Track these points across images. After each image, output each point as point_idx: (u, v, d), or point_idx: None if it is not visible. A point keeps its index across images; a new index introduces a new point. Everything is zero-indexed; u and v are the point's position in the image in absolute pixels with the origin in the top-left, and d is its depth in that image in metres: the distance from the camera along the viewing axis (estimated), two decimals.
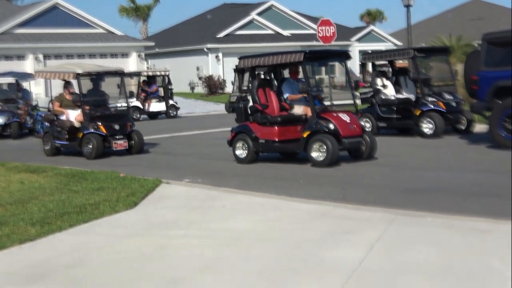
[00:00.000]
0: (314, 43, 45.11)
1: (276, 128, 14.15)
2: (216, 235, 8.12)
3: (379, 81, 19.54)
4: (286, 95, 14.66)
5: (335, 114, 13.66)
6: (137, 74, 33.61)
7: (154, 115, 32.12)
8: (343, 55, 15.23)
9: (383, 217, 8.46)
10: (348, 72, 15.97)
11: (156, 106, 32.02)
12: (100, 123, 17.00)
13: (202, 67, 49.19)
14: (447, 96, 18.24)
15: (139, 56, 46.30)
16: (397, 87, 19.42)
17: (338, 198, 10.10)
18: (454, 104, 18.13)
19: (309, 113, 13.84)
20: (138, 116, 30.35)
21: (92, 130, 16.94)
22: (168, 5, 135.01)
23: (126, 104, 18.83)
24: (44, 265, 7.14)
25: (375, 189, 10.88)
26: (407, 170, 12.66)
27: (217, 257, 7.10)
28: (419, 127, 17.88)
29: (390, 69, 20.59)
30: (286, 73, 15.66)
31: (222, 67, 48.16)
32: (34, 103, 25.70)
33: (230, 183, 11.89)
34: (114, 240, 8.08)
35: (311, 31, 49.87)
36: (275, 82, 15.34)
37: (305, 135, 13.58)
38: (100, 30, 46.07)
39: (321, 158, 13.25)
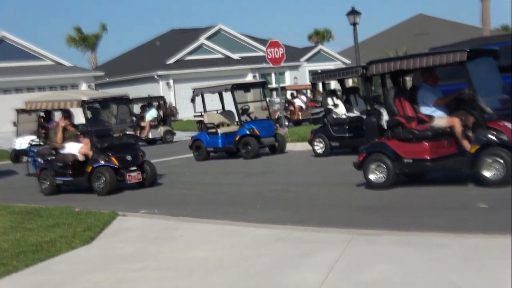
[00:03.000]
0: (264, 65, 45.39)
1: (427, 144, 12.01)
2: (175, 265, 8.08)
3: (330, 101, 19.70)
4: (427, 105, 12.49)
5: (500, 123, 11.51)
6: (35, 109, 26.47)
7: None
8: (493, 53, 12.43)
9: (340, 237, 8.50)
10: (497, 74, 12.52)
11: None
12: (111, 155, 15.55)
13: (154, 95, 49.02)
14: None
15: (89, 86, 45.97)
16: (348, 105, 19.60)
17: (295, 221, 10.14)
18: None
19: (457, 125, 11.97)
20: None
21: (103, 163, 15.47)
22: (116, 33, 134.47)
23: (132, 132, 17.06)
24: None
25: (331, 209, 10.95)
26: (361, 188, 12.75)
27: None
28: None
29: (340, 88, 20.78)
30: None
31: (174, 93, 48.07)
32: None
33: (186, 212, 11.84)
34: (72, 278, 7.97)
35: (261, 53, 50.09)
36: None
37: (473, 150, 11.44)
38: (49, 62, 45.67)
39: (498, 177, 11.08)
